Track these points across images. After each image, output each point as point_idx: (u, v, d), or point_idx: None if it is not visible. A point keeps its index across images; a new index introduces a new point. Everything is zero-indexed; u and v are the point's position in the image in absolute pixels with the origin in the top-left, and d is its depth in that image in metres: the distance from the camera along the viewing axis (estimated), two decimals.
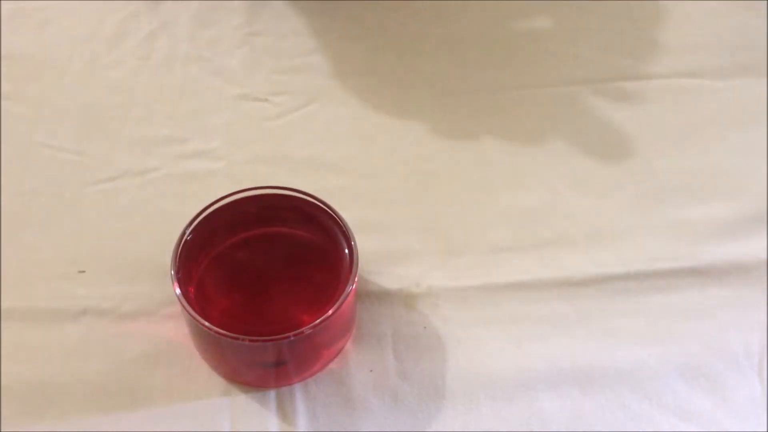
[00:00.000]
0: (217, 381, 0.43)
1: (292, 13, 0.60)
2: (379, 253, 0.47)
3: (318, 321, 0.38)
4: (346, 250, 0.41)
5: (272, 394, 0.43)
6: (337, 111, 0.55)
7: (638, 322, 0.45)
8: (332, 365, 0.43)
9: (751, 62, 0.58)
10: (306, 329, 0.38)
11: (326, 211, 0.42)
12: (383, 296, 0.46)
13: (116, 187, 0.50)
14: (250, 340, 0.38)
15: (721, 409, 0.43)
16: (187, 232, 0.41)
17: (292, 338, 0.38)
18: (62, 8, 0.60)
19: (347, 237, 0.41)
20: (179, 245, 0.41)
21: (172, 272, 0.40)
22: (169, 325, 0.44)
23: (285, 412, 0.42)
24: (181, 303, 0.39)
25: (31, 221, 0.49)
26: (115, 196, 0.50)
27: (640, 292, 0.46)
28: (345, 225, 0.42)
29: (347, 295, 0.39)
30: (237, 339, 0.38)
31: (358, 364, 0.44)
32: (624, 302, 0.46)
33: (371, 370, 0.43)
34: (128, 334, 0.44)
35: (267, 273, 0.42)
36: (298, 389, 0.43)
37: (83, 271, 0.46)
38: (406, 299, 0.46)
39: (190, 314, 0.38)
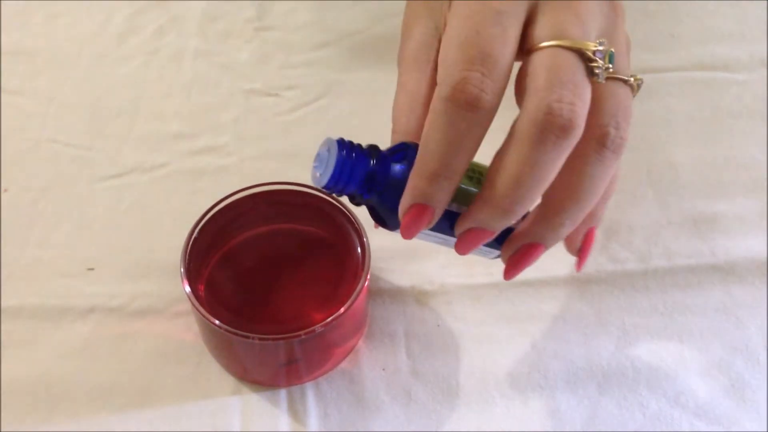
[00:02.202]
0: (228, 380, 0.42)
1: (303, 6, 0.60)
2: (392, 250, 0.47)
3: (329, 319, 0.38)
4: (358, 247, 0.41)
5: (283, 393, 0.42)
6: (348, 105, 0.54)
7: (657, 320, 0.45)
8: (344, 364, 0.43)
9: None
10: (317, 327, 0.37)
11: (338, 207, 0.42)
12: (395, 294, 0.45)
13: (125, 183, 0.50)
14: (261, 339, 0.37)
15: (742, 409, 0.42)
16: (197, 229, 0.41)
17: (303, 337, 0.37)
18: (70, 4, 0.60)
19: (359, 233, 0.41)
20: (189, 242, 0.40)
21: (182, 270, 0.39)
22: (179, 323, 0.44)
23: (296, 412, 0.41)
24: (190, 301, 0.38)
25: (38, 218, 0.48)
26: (123, 192, 0.50)
27: (658, 289, 0.46)
28: (357, 221, 0.41)
29: (359, 292, 0.39)
30: (247, 337, 0.37)
31: (370, 362, 0.43)
32: (642, 300, 0.45)
33: (383, 369, 0.43)
34: (137, 333, 0.44)
35: (278, 270, 0.42)
36: (309, 388, 0.42)
37: (92, 269, 0.46)
38: (418, 297, 0.45)
39: (199, 312, 0.38)
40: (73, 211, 0.49)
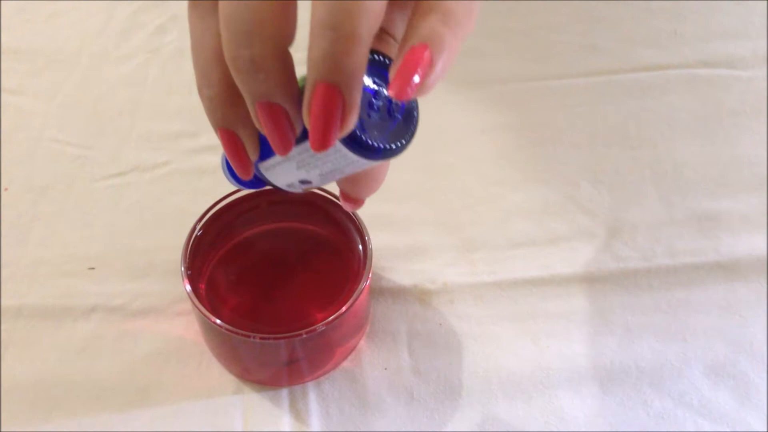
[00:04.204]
0: (229, 379, 0.42)
1: (301, 5, 0.60)
2: (394, 249, 0.47)
3: (331, 318, 0.37)
4: (360, 246, 0.41)
5: (285, 392, 0.42)
6: None
7: (660, 318, 0.44)
8: (346, 363, 0.43)
9: None
10: (319, 326, 0.37)
11: (339, 205, 0.41)
12: (398, 293, 0.45)
13: (126, 182, 0.50)
14: (262, 338, 0.37)
15: (747, 408, 0.41)
16: (198, 227, 0.41)
17: (304, 336, 0.37)
18: (71, 2, 0.60)
19: (361, 232, 0.41)
20: (190, 241, 0.40)
21: (183, 269, 0.39)
22: (180, 322, 0.44)
23: (298, 411, 0.41)
24: (191, 300, 0.38)
25: (39, 217, 0.48)
26: (124, 191, 0.49)
27: (662, 287, 0.45)
28: (359, 220, 0.41)
29: (361, 291, 0.38)
30: (248, 337, 0.37)
31: (372, 361, 0.43)
32: (646, 298, 0.45)
33: (385, 368, 0.43)
34: (138, 332, 0.44)
35: (279, 269, 0.42)
36: (311, 388, 0.42)
37: (93, 268, 0.46)
38: (421, 296, 0.45)
39: (200, 311, 0.38)
40: (73, 211, 0.49)
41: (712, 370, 0.43)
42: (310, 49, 0.23)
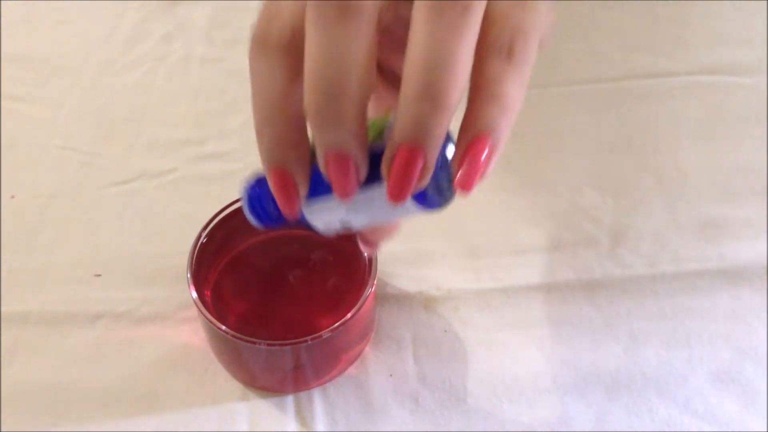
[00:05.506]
0: (235, 386, 0.42)
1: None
2: (399, 256, 0.47)
3: (336, 325, 0.37)
4: (365, 252, 0.41)
5: (290, 398, 0.42)
6: None
7: (665, 324, 0.44)
8: (351, 370, 0.43)
9: None
10: (324, 333, 0.37)
11: None
12: (403, 299, 0.45)
13: (132, 189, 0.50)
14: (268, 344, 0.37)
15: (751, 414, 0.41)
16: (204, 234, 0.41)
17: (310, 342, 0.37)
18: (78, 9, 0.60)
19: None
20: (195, 248, 0.40)
21: (189, 275, 0.39)
22: (186, 329, 0.44)
23: (303, 417, 0.41)
24: (197, 307, 0.38)
25: (46, 224, 0.48)
26: (131, 198, 0.50)
27: (667, 294, 0.45)
28: None
29: (366, 298, 0.38)
30: (254, 343, 0.37)
31: (377, 368, 0.43)
32: (650, 304, 0.45)
33: (391, 375, 0.43)
34: (144, 339, 0.44)
35: (284, 276, 0.42)
36: (316, 394, 0.42)
37: (99, 275, 0.46)
38: (426, 302, 0.45)
39: (206, 318, 0.38)
40: (80, 217, 0.49)
41: (717, 376, 0.43)
42: (402, 112, 0.25)
